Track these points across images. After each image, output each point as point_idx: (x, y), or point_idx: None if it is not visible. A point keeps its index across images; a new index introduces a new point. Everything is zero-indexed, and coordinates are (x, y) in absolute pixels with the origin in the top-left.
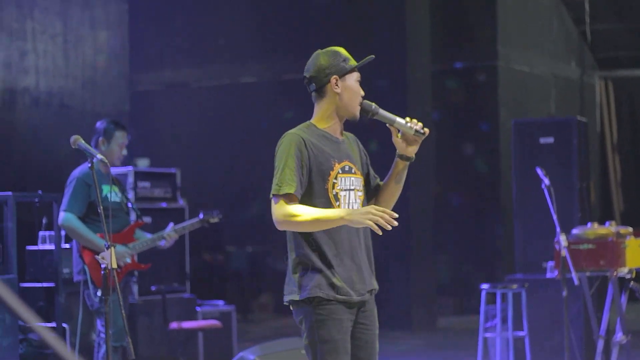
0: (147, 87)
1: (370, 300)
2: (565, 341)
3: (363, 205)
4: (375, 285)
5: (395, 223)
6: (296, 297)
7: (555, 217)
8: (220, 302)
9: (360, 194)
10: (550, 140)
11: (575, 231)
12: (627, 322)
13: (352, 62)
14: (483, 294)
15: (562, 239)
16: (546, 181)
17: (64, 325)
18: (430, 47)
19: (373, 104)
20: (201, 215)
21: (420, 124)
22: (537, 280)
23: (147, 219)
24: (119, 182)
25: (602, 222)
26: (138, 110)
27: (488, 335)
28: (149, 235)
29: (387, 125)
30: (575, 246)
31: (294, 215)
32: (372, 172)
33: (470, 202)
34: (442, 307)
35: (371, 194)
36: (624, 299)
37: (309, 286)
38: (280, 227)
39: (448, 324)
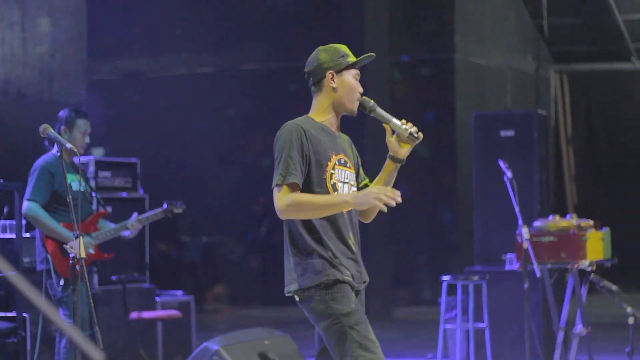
0: (105, 76)
1: (362, 292)
2: (526, 333)
3: None
4: (367, 277)
5: (399, 199)
6: (298, 287)
7: (517, 209)
8: (179, 292)
9: (354, 189)
10: (511, 133)
11: (536, 223)
12: (587, 314)
13: (352, 59)
14: (444, 285)
15: (524, 232)
16: (508, 174)
17: (25, 314)
18: (388, 39)
19: (371, 101)
20: (165, 206)
21: (415, 128)
22: (498, 272)
23: (107, 209)
24: (82, 171)
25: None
26: (95, 99)
27: (448, 326)
28: (111, 225)
29: (383, 124)
30: (537, 238)
31: (301, 203)
32: (362, 172)
33: (425, 194)
34: (398, 298)
35: None
36: (584, 291)
37: (316, 271)
38: (284, 216)
39: (403, 314)
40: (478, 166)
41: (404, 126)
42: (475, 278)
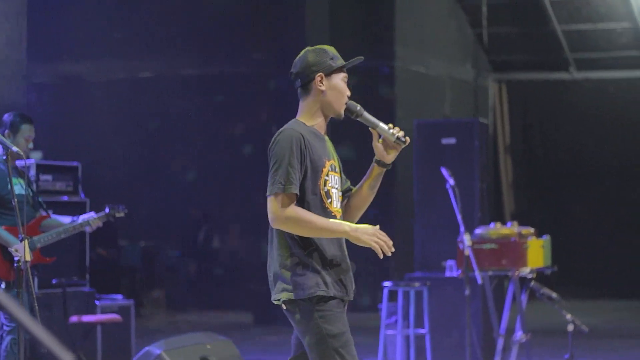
0: (44, 79)
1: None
2: (466, 339)
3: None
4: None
5: (393, 250)
6: (292, 296)
7: (459, 216)
8: (119, 297)
9: (340, 194)
10: (452, 141)
11: (478, 231)
12: (527, 321)
13: (341, 62)
14: (385, 291)
15: (466, 239)
16: (451, 181)
17: None
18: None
19: (358, 105)
20: (107, 210)
21: (402, 132)
22: (438, 278)
23: (49, 212)
24: (24, 174)
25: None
26: (35, 102)
27: (389, 332)
28: (64, 222)
29: (370, 128)
30: (478, 245)
31: (301, 220)
32: (343, 176)
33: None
34: None
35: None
36: (524, 298)
37: (309, 285)
38: (277, 226)
39: None
40: (419, 173)
41: (391, 130)
42: (417, 284)
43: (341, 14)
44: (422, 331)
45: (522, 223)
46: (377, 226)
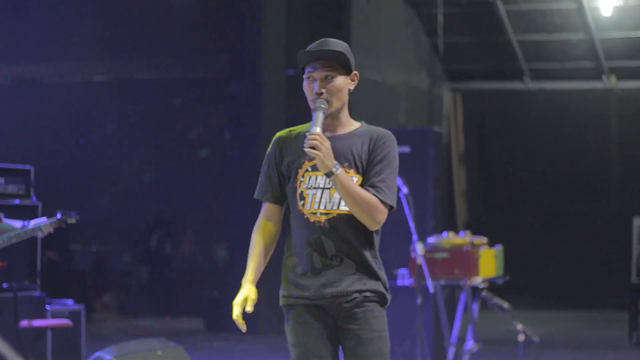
0: None
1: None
2: (417, 348)
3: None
4: (343, 288)
5: (243, 326)
6: None
7: (412, 225)
8: (70, 301)
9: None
10: (406, 149)
11: (431, 240)
12: (478, 330)
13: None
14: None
15: (419, 247)
16: (404, 190)
17: None
18: (285, 54)
19: (322, 106)
20: (59, 215)
21: (309, 139)
22: (390, 287)
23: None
24: None
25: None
26: None
27: None
28: (17, 225)
29: None
30: (431, 254)
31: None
32: (371, 175)
33: None
34: None
35: None
36: (475, 308)
37: (281, 292)
38: None
39: None
40: None
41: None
42: None
43: (298, 21)
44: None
45: (476, 232)
46: (241, 302)
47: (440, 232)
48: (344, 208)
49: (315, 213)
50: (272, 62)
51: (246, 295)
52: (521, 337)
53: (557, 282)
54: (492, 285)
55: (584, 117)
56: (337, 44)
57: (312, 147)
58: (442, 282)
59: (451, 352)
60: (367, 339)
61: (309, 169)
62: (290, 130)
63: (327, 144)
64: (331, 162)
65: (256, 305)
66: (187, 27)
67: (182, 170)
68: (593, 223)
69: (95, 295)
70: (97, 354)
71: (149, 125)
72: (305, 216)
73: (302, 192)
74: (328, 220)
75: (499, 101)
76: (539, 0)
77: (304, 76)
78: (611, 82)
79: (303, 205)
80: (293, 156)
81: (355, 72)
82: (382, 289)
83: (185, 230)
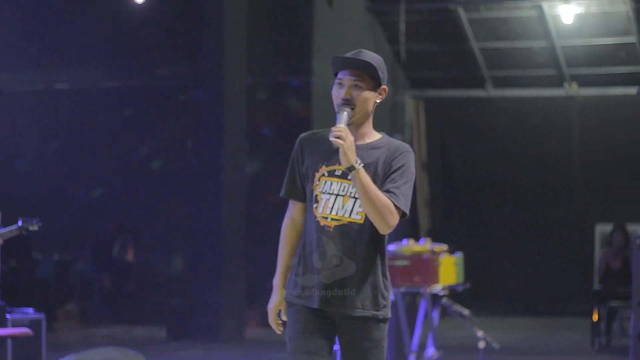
0: None
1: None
2: None
3: (364, 216)
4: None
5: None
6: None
7: None
8: (30, 310)
9: (350, 199)
10: None
11: (391, 247)
12: (439, 337)
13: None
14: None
15: None
16: None
17: None
18: (247, 61)
19: (347, 108)
20: (20, 223)
21: (335, 130)
22: None
23: None
24: None
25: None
26: None
27: None
28: None
29: None
30: (391, 262)
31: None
32: (387, 181)
33: (280, 215)
34: (251, 318)
35: None
36: (436, 315)
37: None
38: None
39: (257, 335)
40: None
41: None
42: None
43: (259, 28)
44: (334, 347)
45: (438, 240)
46: (276, 310)
47: (401, 240)
48: (355, 217)
49: (326, 218)
50: (233, 70)
51: (279, 302)
52: (481, 344)
53: (519, 288)
54: (454, 293)
55: (545, 125)
56: (371, 56)
57: (338, 137)
58: (402, 289)
59: (412, 359)
60: (365, 349)
61: (325, 174)
62: (314, 133)
63: (351, 138)
64: (354, 156)
65: (218, 313)
66: (148, 35)
67: (143, 178)
68: (555, 230)
69: (57, 304)
70: None
71: (110, 133)
72: (317, 219)
73: (316, 195)
74: (337, 227)
75: (461, 109)
76: (500, 8)
77: (335, 81)
78: (573, 89)
79: (316, 208)
80: (312, 158)
81: (384, 86)
82: (384, 301)
83: (148, 238)
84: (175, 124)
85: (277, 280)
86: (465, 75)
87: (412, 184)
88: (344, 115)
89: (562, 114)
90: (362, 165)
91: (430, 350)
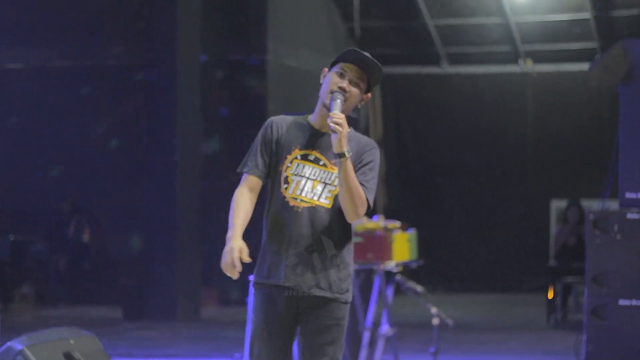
0: None
1: (312, 297)
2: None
3: (332, 201)
4: (323, 284)
5: (234, 275)
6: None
7: None
8: None
9: (333, 188)
10: None
11: None
12: (393, 314)
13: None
14: (251, 284)
15: None
16: None
17: None
18: (201, 40)
19: (340, 96)
20: None
21: (334, 117)
22: None
23: None
24: None
25: (370, 217)
26: None
27: None
28: None
29: None
30: None
31: (231, 204)
32: (359, 174)
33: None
34: (207, 298)
35: None
36: (390, 292)
37: (256, 269)
38: None
39: (212, 314)
40: None
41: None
42: None
43: (213, 7)
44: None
45: (394, 217)
46: (239, 249)
47: None
48: (323, 201)
49: (296, 199)
50: (186, 49)
51: (240, 245)
52: (435, 321)
53: (476, 265)
54: (408, 270)
55: (501, 101)
56: (376, 62)
57: (337, 124)
58: (356, 266)
59: (366, 336)
60: (326, 326)
61: (299, 157)
62: (284, 117)
63: (347, 127)
64: (346, 144)
65: (173, 293)
66: (100, 14)
67: (97, 158)
68: (511, 206)
69: (13, 286)
70: (8, 344)
71: (62, 113)
72: (286, 199)
73: (287, 176)
74: (307, 208)
75: (416, 86)
76: None
77: (335, 69)
78: (527, 65)
79: (286, 189)
80: (285, 140)
81: (369, 94)
82: (348, 281)
83: (102, 218)
84: (128, 103)
85: (235, 233)
86: (420, 52)
87: (377, 176)
88: (338, 102)
89: (517, 91)
90: (350, 154)
91: (385, 328)
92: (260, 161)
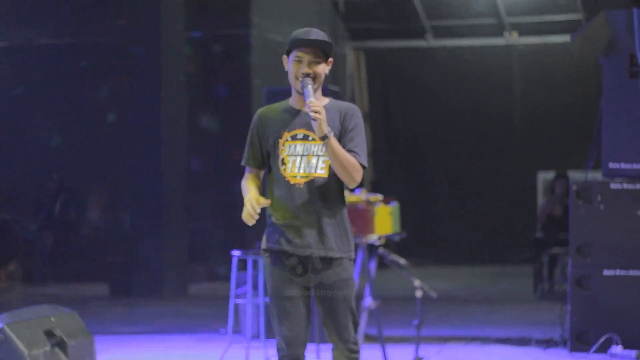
0: None
1: (317, 259)
2: (315, 306)
3: (328, 170)
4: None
5: (253, 220)
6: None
7: None
8: None
9: (326, 158)
10: None
11: None
12: (376, 287)
13: (296, 41)
14: (234, 260)
15: None
16: None
17: None
18: (184, 15)
19: (309, 82)
20: None
21: (312, 107)
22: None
23: None
24: None
25: (352, 190)
26: None
27: (239, 301)
28: None
29: None
30: None
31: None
32: (346, 141)
33: (220, 169)
34: (194, 274)
35: None
36: (373, 265)
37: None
38: None
39: (199, 290)
40: None
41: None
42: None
43: None
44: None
45: (380, 190)
46: (257, 200)
47: None
48: (320, 172)
49: (296, 176)
50: (170, 25)
51: (255, 196)
52: (419, 294)
53: (463, 238)
54: (390, 242)
55: (486, 74)
56: (320, 33)
57: (315, 112)
58: None
59: None
60: (336, 285)
61: (289, 139)
62: (269, 106)
63: (324, 111)
64: (326, 127)
65: (160, 270)
66: None
67: (83, 136)
68: (498, 179)
69: (0, 264)
70: None
71: (48, 91)
72: (286, 179)
73: (283, 158)
74: (307, 182)
75: (401, 59)
76: None
77: (292, 58)
78: (513, 38)
79: (284, 169)
80: (273, 128)
81: (331, 59)
82: (351, 243)
83: (89, 196)
84: (113, 80)
85: (251, 192)
86: (405, 25)
87: (364, 136)
88: (309, 89)
89: (502, 63)
90: (332, 134)
91: (368, 301)
92: (254, 154)
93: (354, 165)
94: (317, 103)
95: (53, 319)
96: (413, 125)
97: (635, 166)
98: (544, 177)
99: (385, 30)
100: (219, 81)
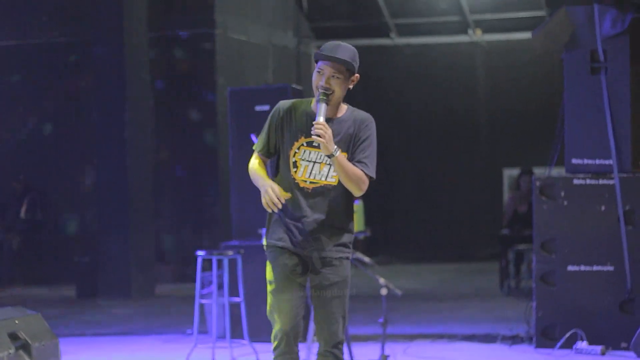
0: None
1: (315, 258)
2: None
3: (337, 179)
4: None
5: (276, 208)
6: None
7: None
8: None
9: (327, 167)
10: (266, 107)
11: None
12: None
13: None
14: (199, 260)
15: None
16: None
17: None
18: (148, 14)
19: (325, 98)
20: None
21: (316, 128)
22: (253, 246)
23: None
24: None
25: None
26: None
27: (204, 301)
28: None
29: None
30: None
31: (249, 168)
32: (357, 152)
33: (190, 170)
34: (161, 274)
35: None
36: None
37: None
38: None
39: (166, 291)
40: (234, 141)
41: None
42: (230, 253)
43: None
44: (237, 299)
45: None
46: (279, 191)
47: None
48: (330, 180)
49: (305, 181)
50: (134, 25)
51: (273, 184)
52: (383, 292)
53: (428, 235)
54: (363, 241)
55: (451, 71)
56: (348, 51)
57: (318, 135)
58: None
59: (313, 309)
60: (333, 282)
61: (305, 144)
62: (294, 103)
63: (330, 131)
64: (332, 146)
65: (127, 271)
66: None
67: (47, 137)
68: (463, 175)
69: None
70: None
71: (11, 92)
72: (296, 181)
73: (295, 161)
74: (315, 188)
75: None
76: None
77: (316, 67)
78: (477, 35)
79: (295, 172)
80: (292, 128)
81: (357, 75)
82: (350, 246)
83: (54, 197)
84: (77, 80)
85: (262, 181)
86: (369, 23)
87: (376, 147)
88: (322, 108)
89: (467, 61)
90: (339, 152)
91: None
92: (268, 144)
93: (360, 178)
94: (321, 125)
95: (17, 321)
96: (378, 123)
97: (598, 162)
98: (509, 173)
99: (350, 28)
100: (184, 82)
